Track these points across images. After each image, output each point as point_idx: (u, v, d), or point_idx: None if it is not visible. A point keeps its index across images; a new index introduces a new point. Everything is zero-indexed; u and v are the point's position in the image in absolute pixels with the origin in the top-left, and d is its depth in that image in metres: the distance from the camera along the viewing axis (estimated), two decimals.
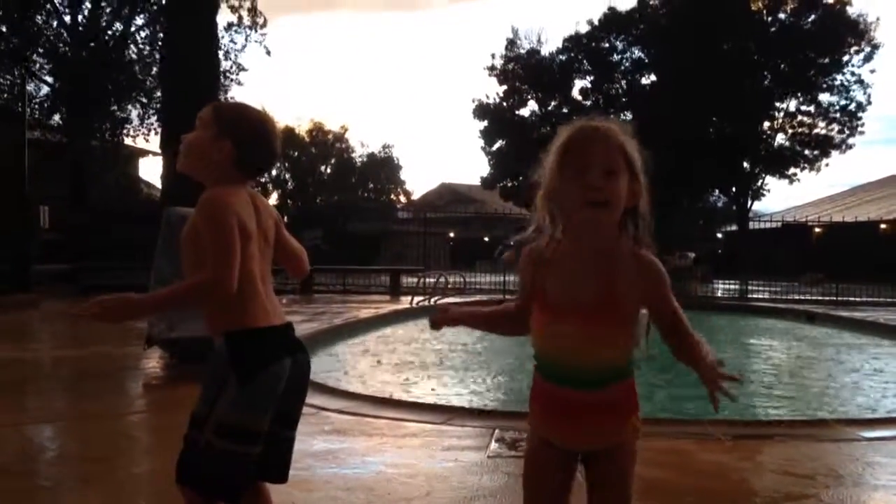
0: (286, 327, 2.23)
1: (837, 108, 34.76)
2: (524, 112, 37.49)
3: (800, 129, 35.86)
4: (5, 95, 22.86)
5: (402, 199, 59.12)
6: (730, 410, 5.89)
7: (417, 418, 4.98)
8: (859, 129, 34.81)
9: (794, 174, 36.36)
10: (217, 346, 2.15)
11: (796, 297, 20.00)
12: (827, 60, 33.42)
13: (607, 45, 35.96)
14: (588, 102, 36.45)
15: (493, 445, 4.29)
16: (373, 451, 4.19)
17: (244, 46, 27.93)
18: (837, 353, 9.97)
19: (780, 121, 35.89)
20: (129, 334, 8.51)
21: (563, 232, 1.76)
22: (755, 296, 21.42)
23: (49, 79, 25.26)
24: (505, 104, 37.14)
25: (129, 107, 26.92)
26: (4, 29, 23.48)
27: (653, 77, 35.76)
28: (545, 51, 37.31)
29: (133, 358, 7.48)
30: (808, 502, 3.36)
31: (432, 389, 6.98)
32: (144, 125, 27.10)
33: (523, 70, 36.50)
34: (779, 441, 4.44)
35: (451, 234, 45.94)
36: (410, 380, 7.48)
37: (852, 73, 34.13)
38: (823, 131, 35.33)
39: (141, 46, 26.46)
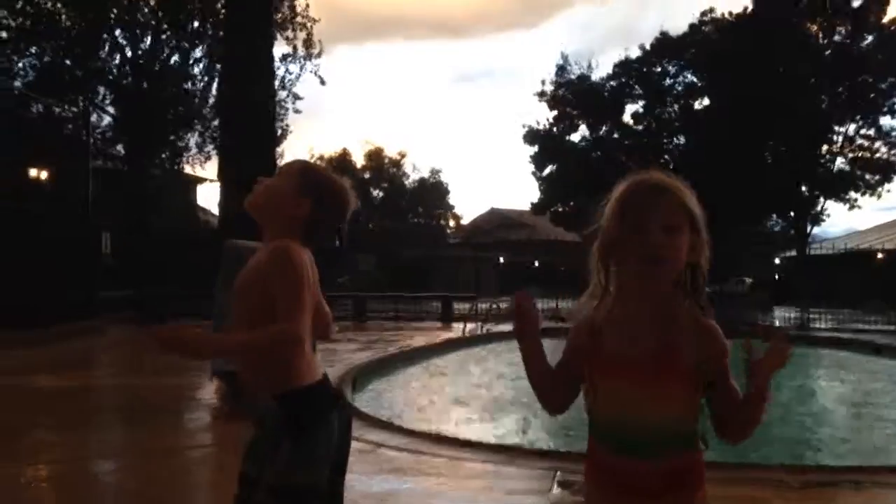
0: (326, 380, 2.22)
1: None
2: (575, 137, 37.43)
3: (860, 154, 34.97)
4: (70, 126, 23.68)
5: (452, 223, 59.29)
6: (803, 456, 5.70)
7: (477, 457, 4.90)
8: None
9: (854, 199, 35.44)
10: (264, 405, 2.11)
11: (860, 328, 19.35)
12: (885, 85, 32.63)
13: (659, 69, 35.74)
14: (640, 127, 36.21)
15: (556, 490, 4.19)
16: (434, 494, 4.12)
17: (299, 76, 28.46)
18: None
19: (840, 144, 35.07)
20: (190, 364, 8.62)
21: (618, 290, 1.69)
22: (816, 325, 20.79)
23: (111, 109, 26.11)
24: (555, 129, 37.09)
25: (188, 136, 27.68)
26: (69, 62, 24.36)
27: (706, 101, 35.35)
28: (596, 76, 37.30)
29: (193, 389, 7.56)
30: None
31: (490, 425, 6.89)
32: (202, 153, 27.79)
33: (574, 95, 36.45)
34: (860, 489, 4.24)
35: (501, 260, 45.81)
36: (467, 414, 7.41)
37: None
38: (885, 155, 34.39)
39: (199, 77, 27.21)
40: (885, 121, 34.08)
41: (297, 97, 28.61)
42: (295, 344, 2.03)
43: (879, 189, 34.89)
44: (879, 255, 31.25)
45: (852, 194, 35.26)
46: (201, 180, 33.36)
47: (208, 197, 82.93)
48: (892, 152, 34.26)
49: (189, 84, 27.16)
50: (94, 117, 23.29)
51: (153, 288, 19.14)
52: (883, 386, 9.97)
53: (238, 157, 18.28)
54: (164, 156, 27.22)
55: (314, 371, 2.16)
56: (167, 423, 6.31)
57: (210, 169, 29.04)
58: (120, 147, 26.74)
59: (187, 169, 29.22)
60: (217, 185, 20.62)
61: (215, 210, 26.16)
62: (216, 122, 25.61)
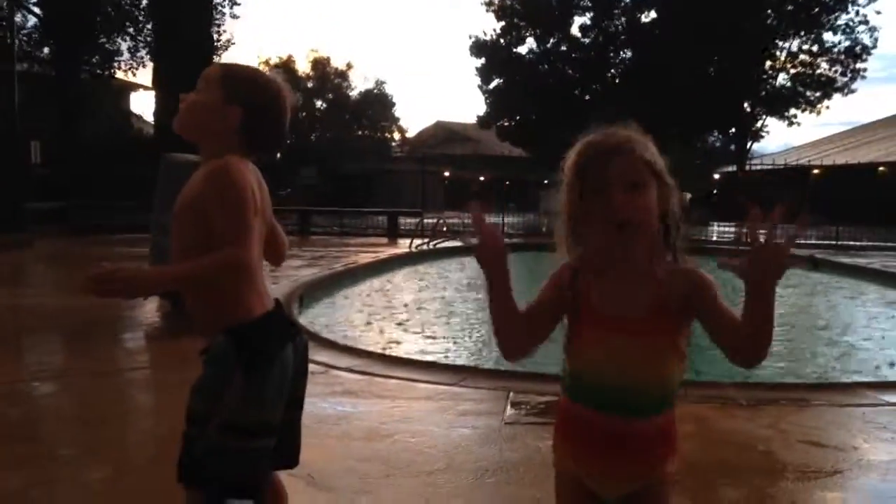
0: (279, 308, 2.08)
1: (842, 49, 34.17)
2: (522, 50, 36.72)
3: (802, 70, 35.29)
4: None
5: (397, 136, 58.47)
6: (746, 371, 5.83)
7: (430, 378, 4.87)
8: (862, 72, 34.32)
9: (794, 116, 35.98)
10: (213, 339, 1.96)
11: (797, 242, 19.92)
12: (830, 0, 32.74)
13: None
14: (587, 40, 35.74)
15: (510, 411, 4.19)
16: (386, 416, 4.07)
17: None
18: (846, 304, 9.91)
19: (782, 61, 35.29)
20: None
21: (595, 250, 1.59)
22: None
23: (37, 9, 24.54)
24: (502, 41, 36.31)
25: (119, 39, 26.27)
26: None
27: (653, 14, 34.96)
28: None
29: (131, 307, 7.32)
30: (842, 478, 3.27)
31: (442, 345, 6.87)
32: (135, 58, 26.47)
33: (521, 5, 35.58)
34: (803, 406, 4.35)
35: (447, 174, 45.53)
36: (418, 333, 7.38)
37: (857, 13, 33.48)
38: (827, 72, 34.79)
39: None
40: (828, 37, 34.37)
41: (234, 2, 27.27)
42: (243, 271, 1.87)
43: (819, 105, 35.45)
44: (815, 171, 31.98)
45: (793, 111, 35.77)
46: (135, 87, 31.93)
47: (143, 105, 79.91)
48: (833, 69, 34.67)
49: None
50: (18, 17, 21.81)
51: (84, 199, 18.47)
52: (823, 300, 10.30)
53: (173, 64, 17.46)
54: (94, 60, 25.82)
55: (264, 301, 2.02)
56: (104, 343, 6.10)
57: (144, 75, 27.76)
58: (46, 50, 25.27)
59: (120, 75, 27.86)
60: (152, 92, 19.76)
61: (151, 118, 25.21)
62: (150, 26, 24.34)
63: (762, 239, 1.37)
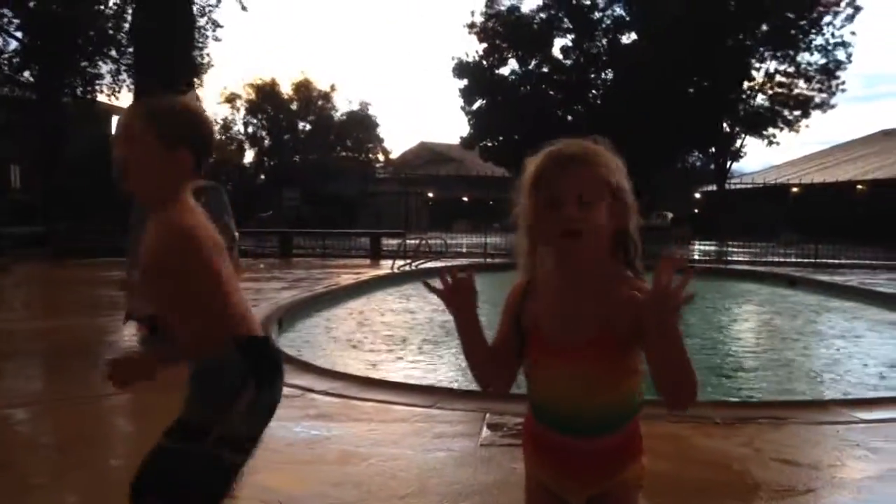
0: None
1: (817, 67, 34.70)
2: (504, 71, 37.01)
3: (779, 90, 35.78)
4: None
5: (381, 157, 58.53)
6: (723, 390, 5.85)
7: (406, 401, 4.83)
8: (840, 88, 34.85)
9: (773, 135, 36.43)
10: (222, 355, 1.94)
11: (775, 260, 20.10)
12: (804, 22, 33.27)
13: (588, 2, 35.44)
14: (569, 62, 36.06)
15: (486, 432, 4.17)
16: (361, 439, 4.04)
17: (219, 1, 27.09)
18: (823, 321, 9.97)
19: (760, 82, 35.78)
20: (106, 305, 8.29)
21: (548, 271, 1.60)
22: (734, 258, 21.50)
23: (18, 34, 24.49)
24: (485, 63, 36.59)
25: (101, 63, 26.27)
26: None
27: (633, 36, 35.37)
28: (525, 8, 36.80)
29: (110, 331, 7.26)
30: (815, 497, 3.28)
31: (421, 366, 6.86)
32: (117, 81, 26.46)
33: (503, 28, 35.90)
34: (778, 425, 4.36)
35: (431, 195, 45.64)
36: (396, 355, 7.35)
37: (833, 35, 34.05)
38: (804, 91, 35.29)
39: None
40: (804, 57, 34.90)
41: (217, 24, 27.35)
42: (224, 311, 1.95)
43: (797, 125, 35.92)
44: (794, 189, 32.32)
45: (771, 130, 36.22)
46: (117, 110, 31.83)
47: None
48: (810, 88, 35.17)
49: (102, 7, 25.62)
50: None
51: (65, 223, 18.34)
52: (798, 319, 10.35)
53: (154, 87, 17.41)
54: (75, 84, 25.76)
55: (254, 322, 2.05)
56: (82, 368, 6.02)
57: (126, 99, 27.72)
58: (28, 74, 25.18)
59: (102, 98, 27.83)
60: None
61: None
62: (132, 50, 24.34)
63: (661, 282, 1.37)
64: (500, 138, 36.53)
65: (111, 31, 25.69)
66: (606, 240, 1.55)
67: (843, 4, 33.24)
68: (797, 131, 35.96)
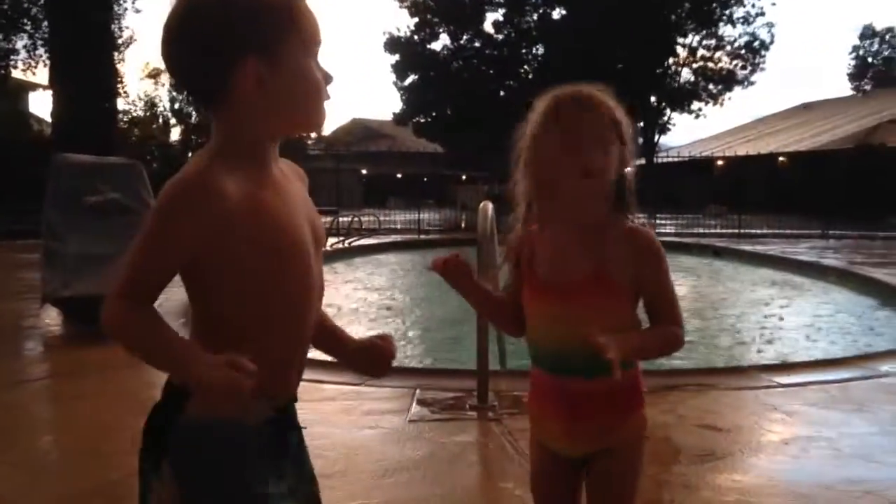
0: None
1: (742, 45, 35.56)
2: (436, 46, 36.77)
3: (703, 64, 36.57)
4: None
5: (313, 134, 57.70)
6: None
7: (335, 379, 4.76)
8: (762, 65, 35.81)
9: (699, 109, 37.25)
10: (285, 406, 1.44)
11: (701, 231, 20.63)
12: None
13: None
14: (500, 36, 36.06)
15: (415, 408, 4.15)
16: None
17: None
18: (745, 290, 10.28)
19: (684, 57, 36.49)
20: (23, 288, 7.97)
21: (549, 207, 1.61)
22: (662, 230, 21.98)
23: None
24: (416, 38, 36.27)
25: (15, 37, 25.09)
26: None
27: (563, 11, 35.55)
28: None
29: (27, 316, 6.98)
30: (733, 460, 3.37)
31: None
32: (33, 57, 25.35)
33: (434, 2, 35.62)
34: (700, 391, 4.47)
35: (364, 171, 45.25)
36: None
37: (752, 6, 34.93)
38: (727, 66, 36.15)
39: None
40: (727, 31, 35.75)
41: None
42: None
43: (721, 98, 36.81)
44: (719, 163, 33.12)
45: (697, 104, 37.03)
46: (34, 87, 30.52)
47: (43, 105, 76.40)
48: (733, 62, 36.06)
49: None
50: None
51: None
52: (724, 287, 10.66)
53: (72, 63, 16.72)
54: None
55: None
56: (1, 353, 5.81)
57: (42, 74, 26.60)
58: None
59: (17, 74, 26.61)
60: (49, 92, 18.93)
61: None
62: (47, 24, 23.30)
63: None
64: (433, 114, 36.37)
65: (26, 5, 24.56)
66: (608, 184, 1.58)
67: None
68: (721, 104, 36.88)
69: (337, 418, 4.01)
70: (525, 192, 1.64)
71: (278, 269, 1.29)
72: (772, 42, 35.29)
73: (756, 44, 35.29)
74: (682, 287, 11.10)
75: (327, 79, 1.37)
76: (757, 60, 35.71)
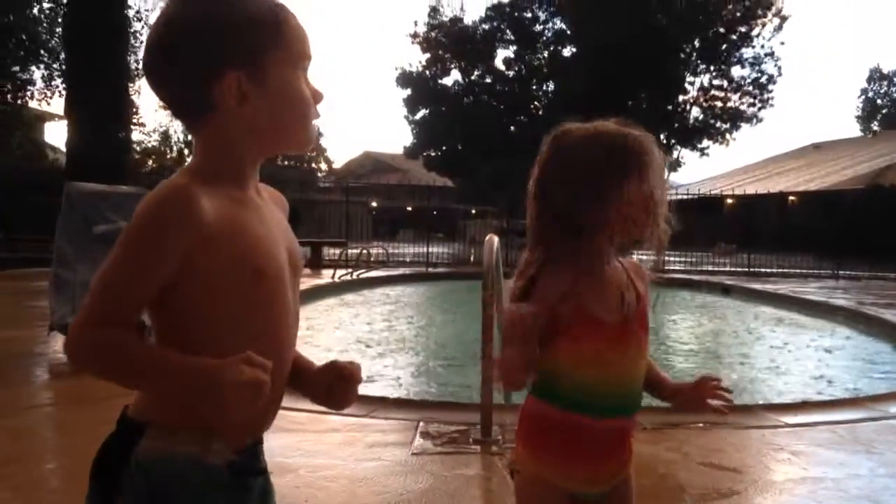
0: None
1: (749, 80, 35.74)
2: (447, 81, 37.15)
3: (713, 103, 36.72)
4: None
5: (324, 167, 58.18)
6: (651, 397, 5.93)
7: (340, 410, 4.77)
8: (770, 101, 35.95)
9: (706, 147, 37.34)
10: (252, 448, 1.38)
11: (710, 269, 20.58)
12: (735, 36, 34.29)
13: (530, 14, 35.89)
14: (511, 73, 36.42)
15: (418, 441, 4.14)
16: (291, 450, 3.97)
17: (155, 5, 26.66)
18: (753, 328, 10.22)
19: (695, 95, 36.69)
20: (33, 316, 8.01)
21: (585, 255, 1.57)
22: (672, 267, 21.91)
23: None
24: (428, 73, 36.67)
25: (33, 68, 25.55)
26: None
27: (573, 48, 35.91)
28: (468, 19, 37.02)
29: (36, 343, 7.02)
30: (738, 499, 3.34)
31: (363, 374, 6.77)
32: (49, 87, 25.79)
33: (446, 38, 36.07)
34: (705, 429, 4.44)
35: (374, 204, 45.48)
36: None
37: (762, 46, 35.18)
38: (735, 104, 36.30)
39: (45, 4, 25.03)
40: (736, 71, 35.93)
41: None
42: None
43: (728, 137, 36.91)
44: (729, 200, 33.17)
45: (705, 142, 37.14)
46: (50, 116, 30.98)
47: (58, 135, 77.41)
48: (742, 101, 36.18)
49: (35, 10, 24.93)
50: None
51: None
52: (733, 325, 10.61)
53: (87, 93, 17.00)
54: (6, 89, 25.01)
55: None
56: (5, 381, 5.82)
57: (58, 104, 27.03)
58: None
59: (33, 104, 27.02)
60: (65, 122, 19.21)
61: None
62: (64, 55, 23.74)
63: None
64: (444, 148, 36.63)
65: (45, 37, 25.03)
66: None
67: (770, 16, 34.34)
68: (727, 144, 36.92)
69: (340, 450, 4.00)
70: (550, 236, 1.57)
71: (255, 292, 1.23)
72: (779, 75, 35.40)
73: (763, 79, 35.46)
74: (689, 324, 11.07)
75: (317, 96, 1.33)
76: (765, 96, 35.82)
